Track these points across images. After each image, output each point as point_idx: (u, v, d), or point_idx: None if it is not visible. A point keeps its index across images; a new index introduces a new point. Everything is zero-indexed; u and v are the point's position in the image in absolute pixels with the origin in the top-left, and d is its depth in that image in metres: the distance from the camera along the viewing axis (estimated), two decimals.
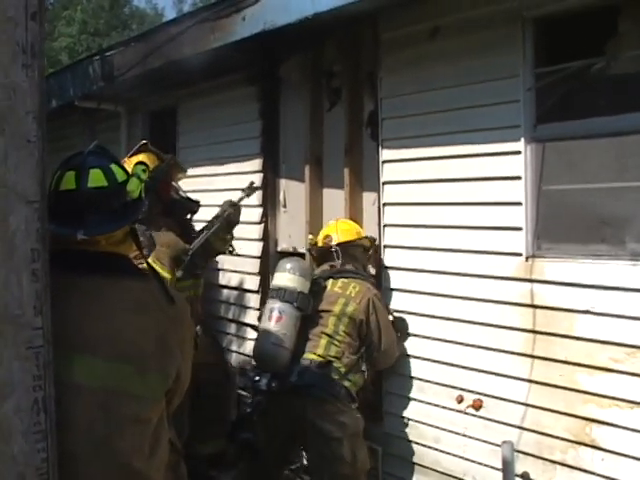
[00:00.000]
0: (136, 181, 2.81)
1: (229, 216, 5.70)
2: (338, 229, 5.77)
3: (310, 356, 5.18)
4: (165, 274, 5.17)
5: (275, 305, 5.20)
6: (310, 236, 6.13)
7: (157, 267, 5.15)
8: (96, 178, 2.73)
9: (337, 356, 5.21)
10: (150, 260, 5.13)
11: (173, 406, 2.90)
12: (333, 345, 5.24)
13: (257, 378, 5.23)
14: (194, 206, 5.98)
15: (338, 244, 5.67)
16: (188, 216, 5.91)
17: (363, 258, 5.84)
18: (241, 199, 5.86)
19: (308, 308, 5.26)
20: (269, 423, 5.32)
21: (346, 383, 5.18)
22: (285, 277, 5.29)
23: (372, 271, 5.97)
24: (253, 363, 5.46)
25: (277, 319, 5.13)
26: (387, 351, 5.43)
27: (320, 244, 5.81)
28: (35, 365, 2.32)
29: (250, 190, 5.98)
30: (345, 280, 5.48)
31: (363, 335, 5.35)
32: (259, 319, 5.48)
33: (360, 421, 5.22)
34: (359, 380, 5.31)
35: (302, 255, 6.54)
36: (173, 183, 5.93)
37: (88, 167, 2.74)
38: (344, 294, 5.39)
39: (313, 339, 5.24)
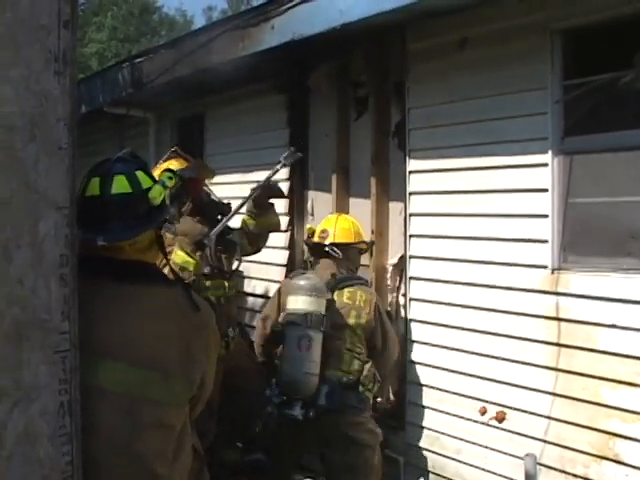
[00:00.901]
0: (159, 188, 2.81)
1: (255, 198, 5.67)
2: (337, 226, 5.67)
3: (336, 373, 5.12)
4: (190, 261, 5.16)
5: (302, 332, 4.98)
6: (308, 225, 6.12)
7: (181, 254, 5.18)
8: (120, 184, 2.74)
9: (360, 369, 5.20)
10: (176, 250, 5.16)
11: (196, 412, 2.91)
12: (355, 359, 5.22)
13: (288, 405, 5.06)
14: (226, 208, 5.95)
15: (332, 243, 5.59)
16: (219, 217, 5.86)
17: (357, 260, 5.79)
18: (275, 172, 5.72)
19: (328, 327, 5.12)
20: (286, 439, 5.27)
21: (368, 394, 5.21)
22: (306, 300, 5.07)
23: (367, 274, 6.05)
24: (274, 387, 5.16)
25: (307, 348, 4.95)
26: (390, 350, 5.46)
27: (316, 238, 5.70)
28: (62, 369, 2.34)
29: (290, 158, 5.80)
30: (350, 289, 5.38)
31: (369, 341, 5.34)
32: (279, 342, 5.25)
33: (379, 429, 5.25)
34: (377, 390, 5.35)
35: None
36: (204, 187, 5.95)
37: (113, 174, 2.75)
38: (354, 305, 5.31)
39: (335, 355, 5.15)
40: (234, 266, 5.83)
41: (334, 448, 5.09)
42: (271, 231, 6.02)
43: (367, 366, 5.25)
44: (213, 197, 5.96)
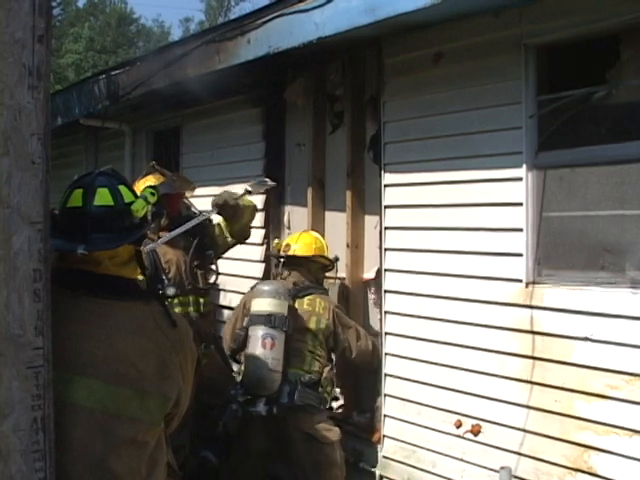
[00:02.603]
0: (142, 202, 2.82)
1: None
2: (299, 241, 5.92)
3: (297, 372, 5.35)
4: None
5: (266, 332, 5.26)
6: (276, 240, 6.31)
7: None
8: (103, 197, 2.74)
9: (319, 371, 5.46)
10: None
11: (171, 429, 2.90)
12: (316, 361, 5.47)
13: (252, 403, 5.20)
14: (204, 221, 5.90)
15: (288, 256, 5.84)
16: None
17: (318, 274, 5.98)
18: (243, 194, 5.75)
19: (290, 329, 5.36)
20: (248, 441, 5.42)
21: (326, 395, 5.46)
22: (270, 302, 5.36)
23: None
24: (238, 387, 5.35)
25: (271, 345, 5.22)
26: (361, 347, 5.69)
27: (281, 252, 5.96)
28: (35, 385, 2.33)
29: (257, 187, 5.84)
30: (310, 297, 5.64)
31: (330, 346, 5.62)
32: (242, 344, 5.47)
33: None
34: (332, 391, 5.60)
35: None
36: (185, 200, 5.93)
37: (97, 186, 2.76)
38: (314, 312, 5.58)
39: (297, 355, 5.40)
40: (212, 280, 5.86)
41: (297, 447, 5.33)
42: (251, 220, 6.01)
43: (327, 369, 5.55)
44: (193, 210, 5.94)
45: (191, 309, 5.63)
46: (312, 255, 5.86)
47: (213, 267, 5.92)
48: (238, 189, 6.11)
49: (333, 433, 5.38)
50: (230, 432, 5.33)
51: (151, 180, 5.68)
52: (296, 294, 5.62)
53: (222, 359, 6.06)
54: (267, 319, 5.28)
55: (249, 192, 5.72)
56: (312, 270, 5.90)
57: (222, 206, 5.61)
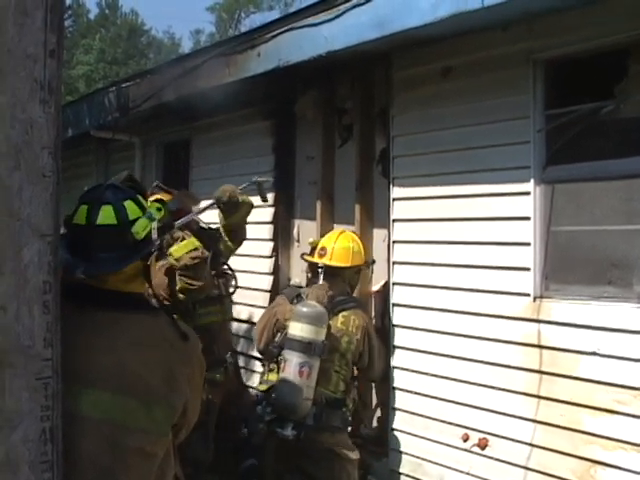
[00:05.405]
0: (144, 222, 2.75)
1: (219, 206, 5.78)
2: (336, 245, 5.73)
3: (324, 391, 5.25)
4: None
5: (304, 360, 5.13)
6: (311, 239, 6.12)
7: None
8: (106, 215, 2.69)
9: (344, 390, 5.37)
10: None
11: (179, 440, 2.90)
12: (341, 381, 5.36)
13: (279, 423, 5.15)
14: (215, 234, 5.93)
15: (327, 266, 5.67)
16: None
17: (354, 280, 5.86)
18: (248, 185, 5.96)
19: (325, 354, 5.25)
20: (270, 453, 5.36)
21: (348, 414, 5.40)
22: (311, 330, 5.19)
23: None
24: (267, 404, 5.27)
25: (307, 375, 5.11)
26: (374, 367, 5.62)
27: (315, 255, 5.77)
28: (44, 396, 2.34)
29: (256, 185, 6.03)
30: (345, 314, 5.48)
31: (355, 363, 5.51)
32: (273, 364, 5.44)
33: None
34: (352, 408, 5.52)
35: None
36: (194, 217, 5.97)
37: (101, 203, 2.71)
38: (347, 331, 5.43)
39: (324, 375, 5.26)
40: (231, 290, 5.89)
41: (319, 464, 5.25)
42: (247, 215, 6.03)
43: (351, 387, 5.47)
44: (202, 225, 5.98)
45: (215, 318, 5.68)
46: (349, 266, 5.71)
47: (229, 272, 5.98)
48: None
49: (354, 452, 5.33)
50: (254, 443, 5.32)
51: (162, 197, 5.71)
52: (331, 310, 5.42)
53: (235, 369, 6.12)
54: (307, 347, 5.14)
55: (256, 183, 5.99)
56: (347, 276, 5.74)
57: (226, 202, 5.70)
